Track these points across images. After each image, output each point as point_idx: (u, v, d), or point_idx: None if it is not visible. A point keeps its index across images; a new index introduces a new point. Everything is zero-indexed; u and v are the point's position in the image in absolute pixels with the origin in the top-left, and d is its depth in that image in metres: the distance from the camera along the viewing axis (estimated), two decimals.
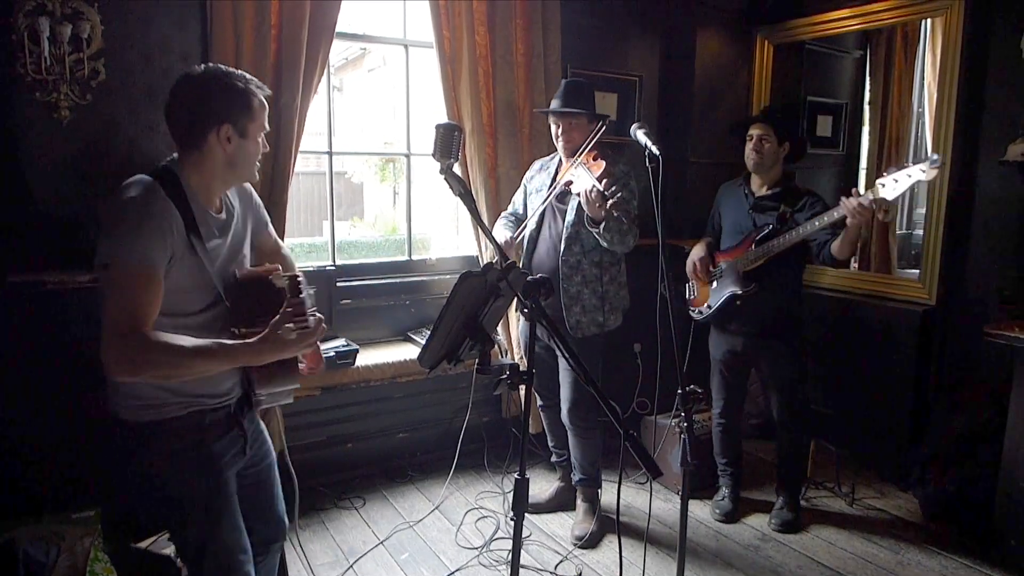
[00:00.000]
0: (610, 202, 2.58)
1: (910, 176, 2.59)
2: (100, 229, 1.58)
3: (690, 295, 3.34)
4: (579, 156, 2.84)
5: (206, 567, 1.74)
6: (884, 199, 2.65)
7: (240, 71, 1.70)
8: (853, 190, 2.70)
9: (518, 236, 3.02)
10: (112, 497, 1.84)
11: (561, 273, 2.92)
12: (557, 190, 2.90)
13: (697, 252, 3.28)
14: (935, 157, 2.57)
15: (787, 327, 3.10)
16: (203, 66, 1.69)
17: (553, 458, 3.38)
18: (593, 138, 2.85)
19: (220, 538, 1.74)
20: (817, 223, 2.81)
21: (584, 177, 2.73)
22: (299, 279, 1.83)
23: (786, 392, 3.14)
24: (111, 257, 1.51)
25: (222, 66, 1.70)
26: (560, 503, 3.31)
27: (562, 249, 2.92)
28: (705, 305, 3.23)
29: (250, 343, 1.59)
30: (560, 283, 2.91)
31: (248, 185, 1.89)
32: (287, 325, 1.62)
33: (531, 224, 3.03)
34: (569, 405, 3.02)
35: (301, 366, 1.83)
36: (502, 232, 3.06)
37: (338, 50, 4.22)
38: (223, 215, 1.76)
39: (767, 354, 3.13)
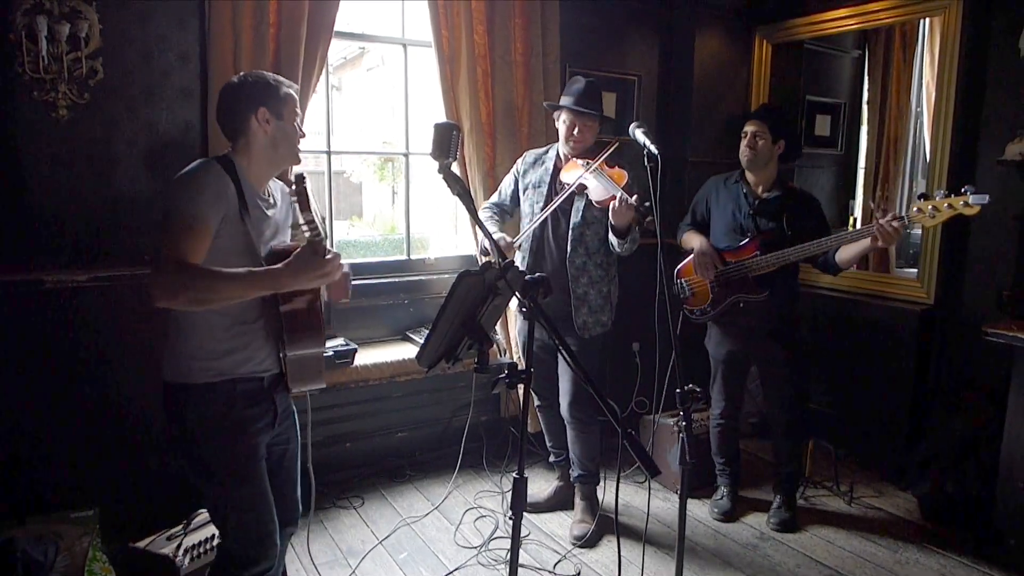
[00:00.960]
0: (647, 219, 2.60)
1: (952, 208, 2.52)
2: (167, 191, 1.87)
3: (683, 294, 3.26)
4: (596, 162, 2.85)
5: (230, 526, 1.90)
6: (923, 225, 2.61)
7: (272, 73, 1.93)
8: (891, 214, 2.65)
9: (518, 241, 3.00)
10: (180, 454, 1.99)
11: (569, 275, 2.93)
12: (566, 193, 2.89)
13: (703, 244, 3.14)
14: (984, 196, 2.48)
15: (786, 327, 3.10)
16: (240, 73, 1.95)
17: (551, 458, 3.38)
18: (611, 148, 2.88)
19: (245, 500, 1.88)
20: (849, 239, 2.80)
21: (604, 186, 2.76)
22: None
23: (785, 391, 3.15)
24: (169, 210, 1.74)
25: (255, 71, 1.97)
26: (559, 502, 3.31)
27: (568, 251, 2.93)
28: (706, 305, 3.19)
29: (278, 267, 1.74)
30: (568, 285, 2.93)
31: (287, 191, 2.08)
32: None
33: (535, 225, 2.99)
34: (569, 400, 3.02)
35: (324, 297, 1.99)
36: (492, 228, 3.07)
37: (337, 49, 4.22)
38: (270, 200, 1.96)
39: (767, 354, 3.13)
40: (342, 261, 1.87)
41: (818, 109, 4.46)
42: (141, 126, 2.84)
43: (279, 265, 1.74)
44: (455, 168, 2.09)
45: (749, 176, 3.11)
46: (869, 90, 4.44)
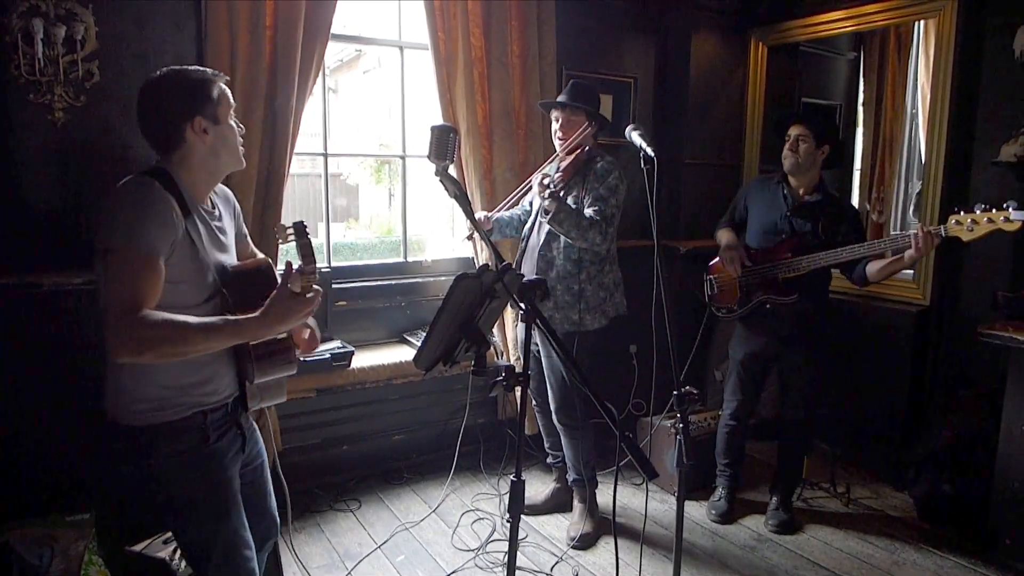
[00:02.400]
0: (548, 191, 2.68)
1: (991, 222, 2.50)
2: (100, 220, 1.60)
3: (711, 290, 3.27)
4: (560, 152, 2.91)
5: (212, 566, 1.75)
6: (959, 239, 2.59)
7: (194, 66, 1.76)
8: (931, 227, 2.64)
9: (494, 214, 3.12)
10: (108, 502, 1.83)
11: (537, 268, 2.98)
12: (524, 184, 2.98)
13: (732, 240, 3.18)
14: (1014, 206, 2.47)
15: (812, 333, 3.07)
16: (158, 72, 1.72)
17: (549, 459, 3.38)
18: (578, 135, 2.89)
19: (225, 536, 1.76)
20: (880, 246, 2.79)
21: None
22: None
23: (803, 396, 3.14)
24: (113, 243, 1.53)
25: (175, 66, 1.75)
26: (556, 504, 3.31)
27: (540, 243, 2.98)
28: (734, 304, 3.17)
29: (255, 315, 1.61)
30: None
31: (231, 195, 1.95)
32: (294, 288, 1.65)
33: (528, 221, 3.11)
34: (556, 406, 3.04)
35: (296, 352, 1.84)
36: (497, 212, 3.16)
37: (333, 51, 4.21)
38: (214, 211, 1.80)
39: (789, 358, 3.11)
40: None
41: (814, 111, 4.48)
42: (137, 128, 2.82)
43: (260, 313, 1.61)
44: (452, 170, 2.10)
45: (791, 179, 3.09)
46: (864, 92, 4.45)
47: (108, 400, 1.69)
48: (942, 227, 2.62)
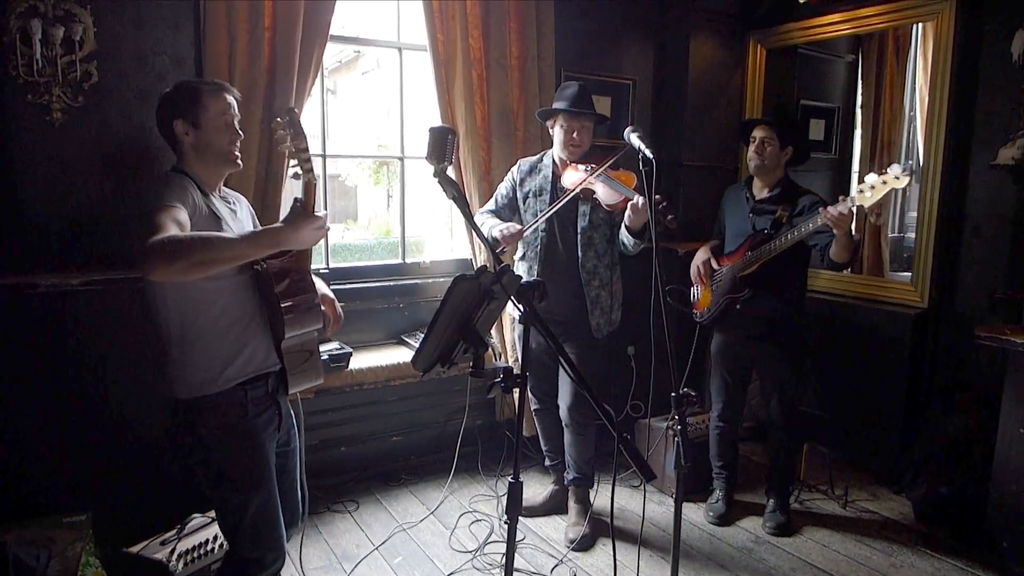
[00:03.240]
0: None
1: (885, 183, 2.61)
2: (146, 195, 1.84)
3: (695, 297, 3.35)
4: (603, 167, 2.85)
5: (245, 531, 1.93)
6: (862, 206, 2.68)
7: (206, 79, 2.01)
8: (841, 197, 2.72)
9: (527, 230, 2.97)
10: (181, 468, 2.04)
11: (582, 279, 2.98)
12: (567, 197, 2.89)
13: (700, 255, 3.29)
14: (908, 163, 2.62)
15: (786, 330, 3.10)
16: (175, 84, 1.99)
17: (547, 462, 3.38)
18: (620, 153, 2.79)
19: (258, 506, 1.92)
20: (803, 229, 2.82)
21: (615, 189, 2.80)
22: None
23: (781, 394, 3.15)
24: (143, 209, 1.74)
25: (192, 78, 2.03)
26: (554, 506, 3.31)
27: (580, 256, 2.97)
28: (706, 308, 3.25)
29: (277, 225, 1.78)
30: (582, 289, 2.98)
31: (246, 201, 2.18)
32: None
33: (539, 231, 3.00)
34: (570, 402, 3.03)
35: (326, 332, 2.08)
36: (493, 224, 3.02)
37: (332, 52, 4.21)
38: (233, 205, 2.04)
39: (765, 356, 3.14)
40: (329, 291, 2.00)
41: (812, 113, 4.48)
42: (135, 129, 2.83)
43: (277, 224, 1.78)
44: (450, 172, 2.10)
45: (756, 180, 3.17)
46: (863, 94, 4.46)
47: (165, 376, 1.88)
48: (849, 198, 2.68)
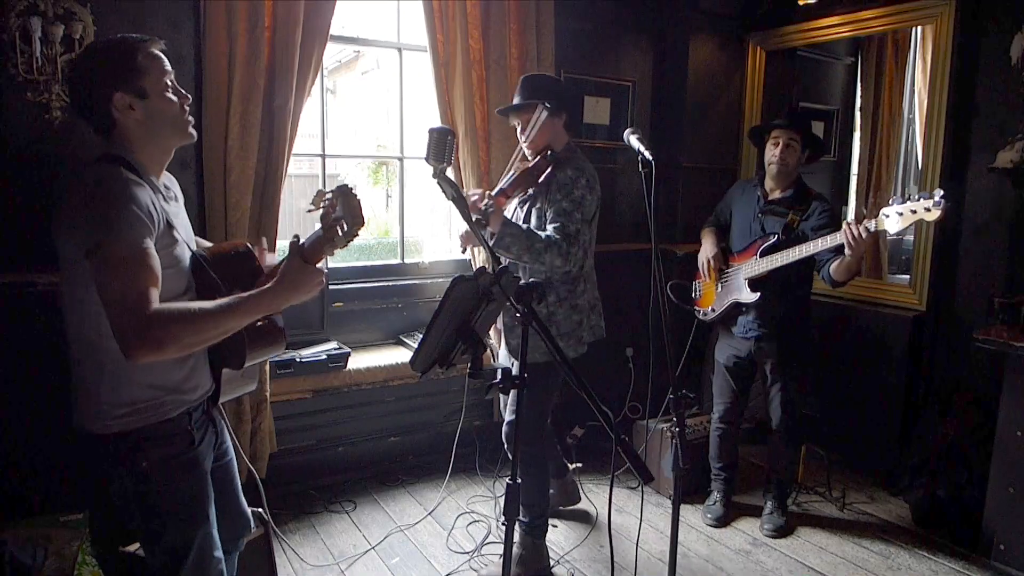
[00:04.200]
0: (483, 211, 2.35)
1: (914, 212, 2.53)
2: (72, 219, 1.48)
3: (695, 294, 3.32)
4: (515, 156, 2.66)
5: (185, 571, 1.67)
6: (886, 231, 2.60)
7: (121, 35, 1.59)
8: (857, 219, 2.64)
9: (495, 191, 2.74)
10: (103, 513, 1.77)
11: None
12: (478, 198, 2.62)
13: (710, 249, 3.22)
14: (940, 195, 2.49)
15: (792, 332, 3.08)
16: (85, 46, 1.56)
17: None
18: (534, 126, 2.52)
19: (201, 540, 1.69)
20: (820, 244, 2.77)
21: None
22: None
23: (784, 396, 3.15)
24: (104, 238, 1.41)
25: (103, 38, 1.59)
26: (555, 503, 3.23)
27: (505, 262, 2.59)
28: (710, 308, 3.23)
29: (269, 287, 1.54)
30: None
31: (175, 181, 1.78)
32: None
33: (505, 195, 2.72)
34: (507, 428, 2.74)
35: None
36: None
37: (332, 52, 4.21)
38: (171, 192, 1.70)
39: (770, 358, 3.13)
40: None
41: (811, 115, 4.47)
42: None
43: (274, 284, 1.55)
44: (450, 172, 2.10)
45: (769, 180, 3.12)
46: (862, 97, 4.46)
47: (84, 411, 1.60)
48: (872, 222, 2.62)
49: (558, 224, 2.50)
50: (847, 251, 2.67)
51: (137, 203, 1.46)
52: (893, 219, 2.58)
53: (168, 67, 1.61)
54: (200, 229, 2.95)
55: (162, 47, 1.61)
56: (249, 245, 1.84)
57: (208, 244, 1.83)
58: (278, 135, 2.99)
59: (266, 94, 2.96)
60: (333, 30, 3.13)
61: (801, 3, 3.92)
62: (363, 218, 1.55)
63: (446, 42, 3.41)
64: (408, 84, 3.70)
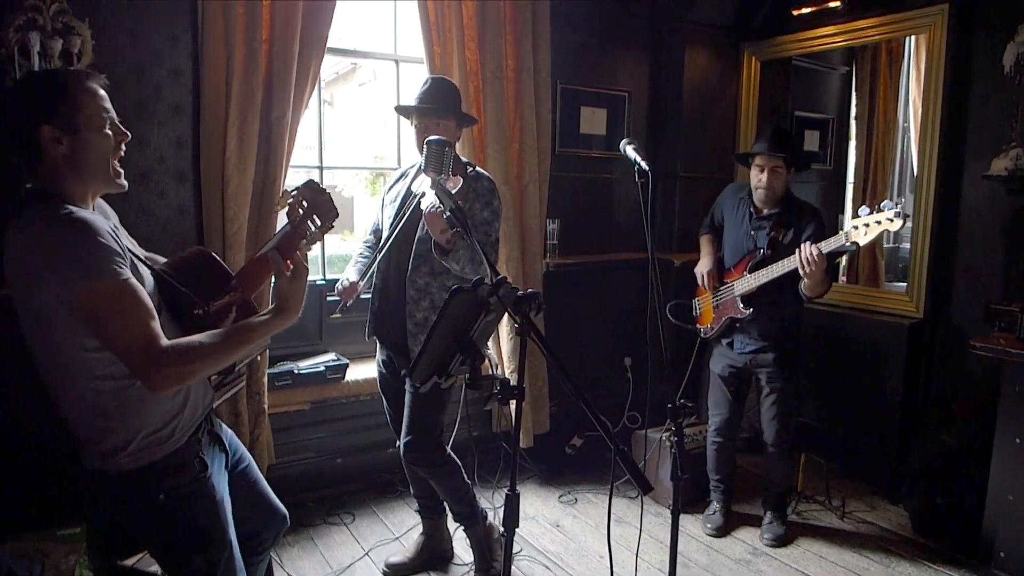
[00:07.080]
0: (451, 229, 2.19)
1: (879, 223, 2.66)
2: (33, 267, 1.41)
3: (696, 312, 3.36)
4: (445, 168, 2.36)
5: None
6: (856, 243, 2.72)
7: (66, 68, 1.53)
8: (811, 247, 2.75)
9: (368, 271, 2.63)
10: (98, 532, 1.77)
11: (408, 297, 2.52)
12: (412, 204, 2.49)
13: (705, 265, 3.28)
14: (900, 204, 2.65)
15: (785, 344, 3.11)
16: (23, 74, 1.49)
17: (415, 506, 2.98)
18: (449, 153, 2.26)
19: (226, 563, 1.69)
20: (780, 268, 2.90)
21: (436, 194, 2.16)
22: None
23: (779, 407, 3.15)
24: (82, 284, 1.37)
25: (40, 69, 1.53)
26: (428, 559, 2.91)
27: (409, 269, 2.52)
28: (709, 325, 3.26)
29: (272, 311, 1.58)
30: (405, 309, 2.54)
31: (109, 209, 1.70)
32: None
33: (384, 247, 2.57)
34: (406, 440, 2.61)
35: None
36: (352, 272, 2.68)
37: (329, 64, 4.23)
38: (111, 221, 1.66)
39: (764, 369, 3.14)
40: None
41: (806, 125, 4.51)
42: (132, 141, 2.79)
43: (277, 307, 1.58)
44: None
45: (756, 195, 3.14)
46: (857, 106, 4.48)
47: (94, 452, 1.56)
48: (844, 233, 2.74)
49: (483, 234, 2.49)
50: (800, 272, 2.79)
51: (100, 233, 1.41)
52: (860, 230, 2.70)
53: (107, 104, 1.53)
54: (198, 242, 2.96)
55: (103, 82, 1.54)
56: (206, 250, 1.83)
57: (162, 259, 1.79)
58: (276, 147, 3.00)
59: (264, 106, 2.97)
60: (331, 42, 3.14)
61: (795, 13, 3.95)
62: (336, 210, 1.60)
63: (443, 54, 3.42)
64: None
